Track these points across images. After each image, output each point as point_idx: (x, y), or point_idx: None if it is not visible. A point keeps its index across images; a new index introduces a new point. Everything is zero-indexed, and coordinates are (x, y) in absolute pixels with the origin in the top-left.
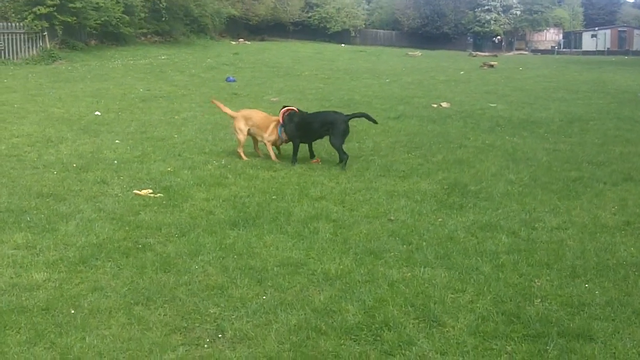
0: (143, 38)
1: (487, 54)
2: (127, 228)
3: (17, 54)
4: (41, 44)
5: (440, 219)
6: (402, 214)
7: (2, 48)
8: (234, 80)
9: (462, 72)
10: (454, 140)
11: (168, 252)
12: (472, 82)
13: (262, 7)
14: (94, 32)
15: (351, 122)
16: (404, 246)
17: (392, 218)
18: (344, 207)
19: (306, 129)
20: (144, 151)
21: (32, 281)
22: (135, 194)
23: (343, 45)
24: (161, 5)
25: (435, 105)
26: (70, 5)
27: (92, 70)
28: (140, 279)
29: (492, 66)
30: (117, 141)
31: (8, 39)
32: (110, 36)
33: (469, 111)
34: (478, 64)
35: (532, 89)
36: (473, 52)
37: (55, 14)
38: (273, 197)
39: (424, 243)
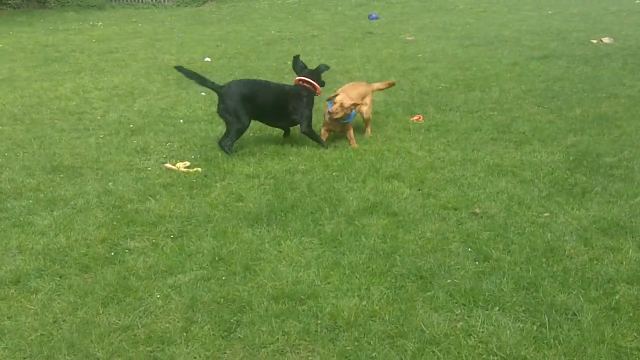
0: None
1: None
2: (115, 223)
3: None
4: None
5: (547, 214)
6: (496, 203)
7: None
8: (377, 18)
9: (638, 1)
10: (604, 88)
11: (137, 268)
12: None
13: None
14: None
15: (482, 65)
16: (476, 264)
17: (477, 211)
18: (419, 190)
19: None
20: None
21: None
22: (167, 168)
23: None
24: None
25: (594, 41)
26: None
27: (235, 12)
28: (68, 317)
29: None
30: (202, 94)
31: None
32: None
33: (634, 47)
34: None
35: None
36: None
37: None
38: (334, 173)
39: (508, 259)
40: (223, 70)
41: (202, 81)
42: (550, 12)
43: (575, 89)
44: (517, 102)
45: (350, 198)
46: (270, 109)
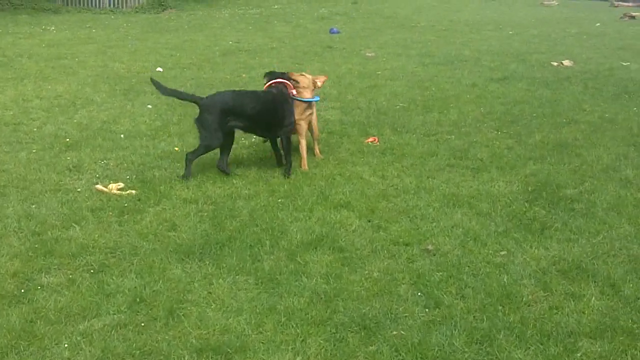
0: None
1: (630, 4)
2: (31, 254)
3: (126, 2)
4: None
5: (503, 252)
6: (450, 238)
7: None
8: (338, 32)
9: (597, 24)
10: (565, 113)
11: (47, 310)
12: (606, 36)
13: None
14: None
15: (441, 84)
16: (426, 312)
17: (429, 247)
18: (369, 222)
19: None
20: (168, 121)
21: None
22: (98, 189)
23: None
24: None
25: (555, 64)
26: None
27: (194, 20)
28: None
29: (633, 17)
30: (149, 106)
31: None
32: None
33: (594, 71)
34: (618, 15)
35: None
36: (615, 2)
37: None
38: (280, 200)
39: (461, 305)
40: (175, 81)
41: (179, 96)
42: (511, 32)
43: (535, 113)
44: (476, 125)
45: (295, 229)
46: (262, 118)
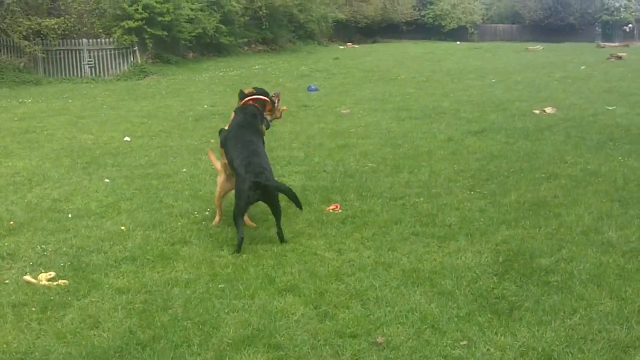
0: (246, 47)
1: (617, 44)
2: None
3: (107, 70)
4: (132, 59)
5: (464, 342)
6: (404, 327)
7: (92, 65)
8: (316, 90)
9: (583, 67)
10: (544, 167)
11: None
12: (592, 79)
13: (371, 8)
14: (190, 44)
15: (415, 140)
16: None
17: (379, 341)
18: (315, 309)
19: None
20: (121, 197)
21: None
22: (26, 281)
23: (459, 43)
24: (262, 12)
25: (537, 112)
26: (160, 19)
27: (172, 85)
28: None
29: (619, 58)
30: (106, 180)
31: (98, 55)
32: (210, 47)
33: (577, 118)
34: (605, 56)
35: None
36: (601, 43)
37: (145, 27)
38: (220, 285)
39: None
40: (140, 150)
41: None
42: (493, 80)
43: (512, 168)
44: (448, 185)
45: (230, 322)
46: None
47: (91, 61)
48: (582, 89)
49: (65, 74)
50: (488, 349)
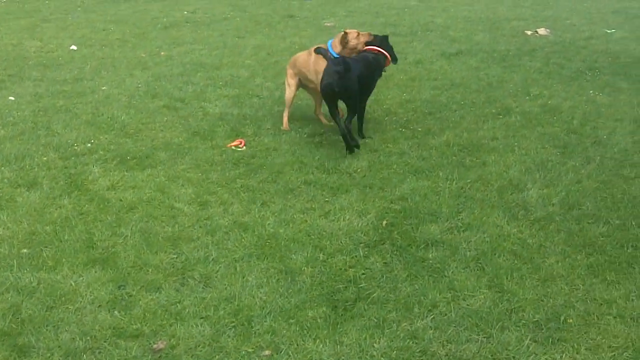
0: None
1: None
2: None
3: None
4: None
5: (267, 352)
6: (203, 327)
7: None
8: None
9: None
10: (501, 99)
11: None
12: None
13: None
14: None
15: None
16: None
17: (159, 346)
18: (118, 290)
19: None
20: (8, 121)
21: None
22: None
23: None
24: None
25: (529, 33)
26: None
27: None
28: None
29: None
30: (10, 98)
31: None
32: None
33: (567, 42)
34: None
35: None
36: None
37: None
38: (24, 250)
39: None
40: (78, 61)
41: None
42: None
43: (465, 100)
44: (383, 119)
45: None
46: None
47: None
48: (590, 9)
49: None
50: None
